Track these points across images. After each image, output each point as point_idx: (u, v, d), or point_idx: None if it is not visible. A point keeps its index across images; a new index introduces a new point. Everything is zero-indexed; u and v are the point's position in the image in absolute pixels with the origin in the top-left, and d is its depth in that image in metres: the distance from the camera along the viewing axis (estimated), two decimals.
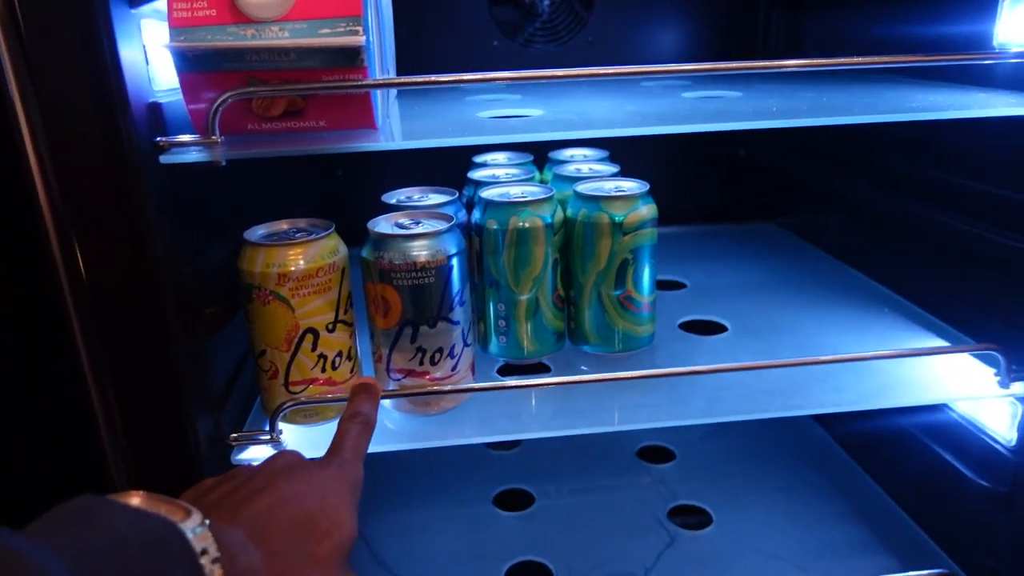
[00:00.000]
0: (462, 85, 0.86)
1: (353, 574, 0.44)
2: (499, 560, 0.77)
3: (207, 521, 0.34)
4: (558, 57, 1.05)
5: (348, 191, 1.06)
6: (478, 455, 0.95)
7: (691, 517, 0.83)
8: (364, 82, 0.48)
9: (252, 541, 0.38)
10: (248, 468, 0.46)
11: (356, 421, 0.50)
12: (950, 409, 0.72)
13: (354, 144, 0.50)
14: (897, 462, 0.83)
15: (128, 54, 0.46)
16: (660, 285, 0.88)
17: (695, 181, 1.15)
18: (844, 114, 0.54)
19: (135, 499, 0.33)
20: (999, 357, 0.61)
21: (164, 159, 0.48)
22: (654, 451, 0.96)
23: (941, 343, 0.72)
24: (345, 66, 0.48)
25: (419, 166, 0.81)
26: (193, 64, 0.47)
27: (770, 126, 0.53)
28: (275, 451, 0.57)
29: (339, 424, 0.50)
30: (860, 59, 0.53)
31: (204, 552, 0.33)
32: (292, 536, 0.40)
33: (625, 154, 0.82)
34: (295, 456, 0.47)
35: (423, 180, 0.72)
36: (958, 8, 0.70)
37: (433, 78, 0.50)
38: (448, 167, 0.76)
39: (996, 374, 0.63)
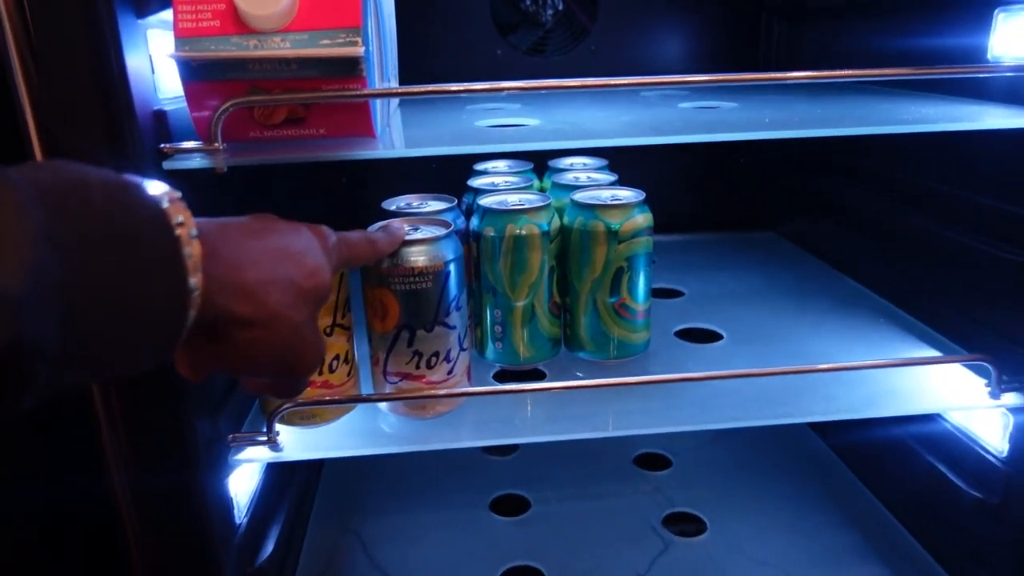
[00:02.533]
0: (461, 96, 0.87)
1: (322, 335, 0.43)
2: (494, 565, 0.77)
3: (183, 203, 0.33)
4: (561, 66, 1.06)
5: (352, 198, 1.07)
6: (475, 460, 0.96)
7: (686, 524, 0.84)
8: (363, 92, 0.49)
9: (240, 252, 0.38)
10: None
11: (363, 234, 0.51)
12: (944, 419, 0.72)
13: (353, 152, 0.51)
14: (892, 471, 0.84)
15: (134, 63, 0.47)
16: (658, 293, 0.89)
17: (695, 189, 1.15)
18: (836, 126, 0.55)
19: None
20: (990, 368, 0.62)
21: (167, 165, 0.49)
22: (651, 458, 0.96)
23: (935, 354, 0.72)
24: (344, 76, 0.49)
25: (421, 174, 0.82)
26: (197, 73, 0.48)
27: (762, 137, 0.53)
28: (272, 451, 0.58)
29: None
30: (855, 71, 0.54)
31: (181, 224, 0.32)
32: (279, 260, 0.40)
33: (625, 162, 0.83)
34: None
35: (425, 188, 0.73)
36: (953, 22, 0.71)
37: (432, 87, 0.51)
38: (450, 174, 0.77)
39: (987, 385, 0.63)
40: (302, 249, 0.42)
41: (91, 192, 0.29)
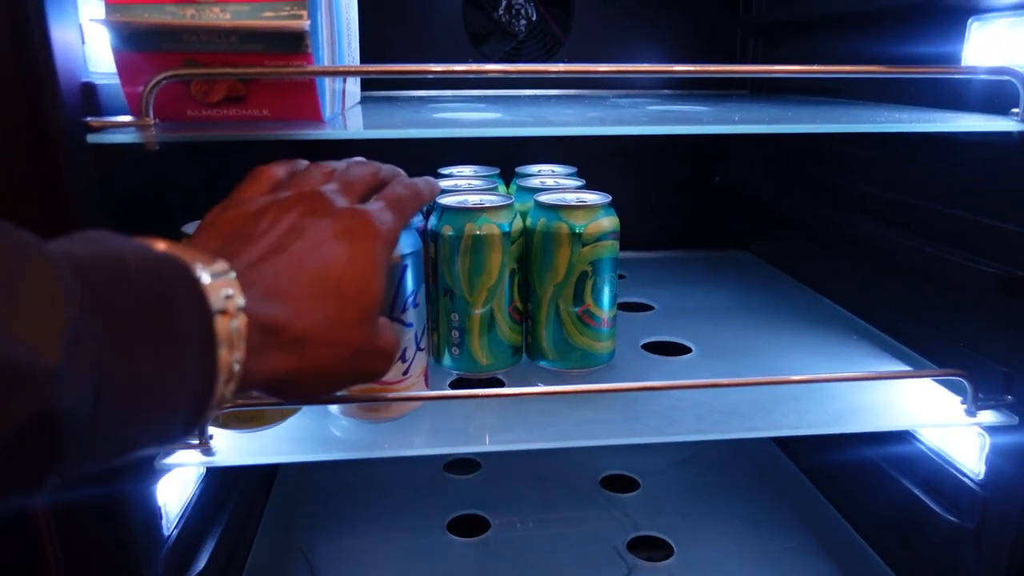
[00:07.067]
0: (426, 99, 0.84)
1: (387, 328, 0.42)
2: None
3: (233, 272, 0.33)
4: (533, 78, 1.04)
5: None
6: (435, 478, 0.92)
7: (652, 549, 0.80)
8: (306, 69, 0.46)
9: (276, 299, 0.36)
10: (274, 203, 0.40)
11: (401, 182, 0.46)
12: (918, 440, 0.70)
13: (295, 132, 0.48)
14: (865, 496, 0.80)
15: (60, 30, 0.44)
16: (627, 307, 0.86)
17: (669, 207, 1.13)
18: (807, 123, 0.53)
19: (160, 245, 0.32)
20: (966, 384, 0.59)
21: (92, 139, 0.46)
22: (618, 480, 0.93)
23: (908, 369, 0.70)
24: (288, 52, 0.46)
25: None
26: (128, 43, 0.45)
27: (728, 131, 0.51)
28: (204, 456, 0.54)
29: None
30: (832, 67, 0.52)
31: (229, 297, 0.32)
32: (318, 298, 0.37)
33: (596, 176, 0.80)
34: (324, 195, 0.41)
35: None
36: (926, 33, 0.70)
37: (388, 67, 0.48)
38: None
39: (963, 402, 0.60)
40: (343, 270, 0.39)
41: (126, 265, 0.29)
